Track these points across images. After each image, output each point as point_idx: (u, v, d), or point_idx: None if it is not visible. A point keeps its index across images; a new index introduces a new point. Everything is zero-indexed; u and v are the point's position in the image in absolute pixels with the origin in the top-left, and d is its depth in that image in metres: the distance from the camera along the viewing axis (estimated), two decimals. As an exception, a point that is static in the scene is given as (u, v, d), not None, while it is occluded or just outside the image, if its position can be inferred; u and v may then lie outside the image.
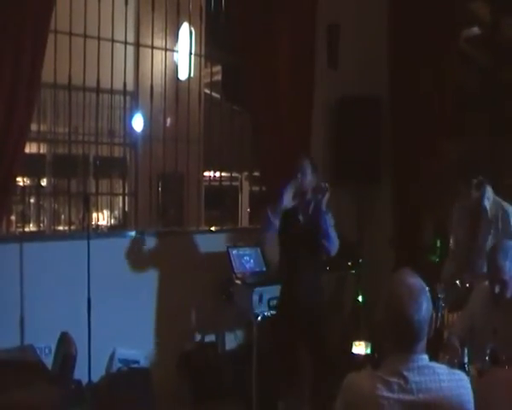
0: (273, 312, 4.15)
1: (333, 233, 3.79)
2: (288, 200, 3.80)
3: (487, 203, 3.66)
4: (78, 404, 3.53)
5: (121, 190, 6.11)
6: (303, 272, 3.83)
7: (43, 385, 3.03)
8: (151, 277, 4.52)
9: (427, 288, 2.00)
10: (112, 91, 4.94)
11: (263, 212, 3.95)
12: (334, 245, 3.80)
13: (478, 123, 5.16)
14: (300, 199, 3.88)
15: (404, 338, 1.91)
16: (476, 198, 3.67)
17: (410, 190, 4.89)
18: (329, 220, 3.79)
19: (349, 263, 4.87)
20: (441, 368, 1.96)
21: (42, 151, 6.27)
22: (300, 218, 3.88)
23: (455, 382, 1.93)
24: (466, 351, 2.77)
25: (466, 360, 2.73)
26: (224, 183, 5.97)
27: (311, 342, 3.86)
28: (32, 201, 6.03)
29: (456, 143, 4.72)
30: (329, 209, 3.82)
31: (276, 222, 3.79)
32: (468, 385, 1.96)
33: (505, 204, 3.70)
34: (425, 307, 1.92)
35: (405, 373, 1.87)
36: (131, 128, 6.49)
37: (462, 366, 2.60)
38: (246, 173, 7.21)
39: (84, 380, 3.79)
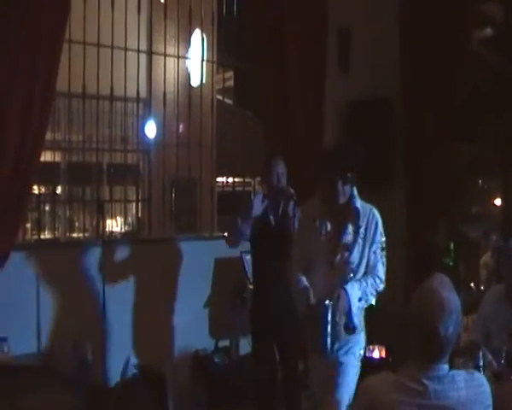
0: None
1: None
2: (257, 207, 3.78)
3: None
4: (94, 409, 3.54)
5: (134, 197, 6.15)
6: (272, 279, 3.77)
7: (59, 391, 3.05)
8: (165, 282, 4.54)
9: (459, 302, 1.90)
10: (125, 99, 4.98)
11: (230, 220, 3.96)
12: None
13: (491, 125, 5.14)
14: (273, 201, 3.82)
15: (429, 351, 1.86)
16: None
17: (422, 193, 4.87)
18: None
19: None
20: (460, 375, 1.93)
21: (56, 159, 6.33)
22: (271, 220, 3.83)
23: (473, 388, 1.90)
24: (481, 354, 2.75)
25: (481, 363, 2.71)
26: (237, 188, 5.98)
27: (278, 346, 3.87)
28: (46, 209, 6.08)
29: (469, 145, 4.70)
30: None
31: (247, 230, 3.79)
32: (488, 389, 1.94)
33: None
34: (456, 324, 1.85)
35: (425, 381, 1.85)
36: (144, 135, 6.53)
37: (477, 370, 2.59)
38: (259, 178, 7.21)
39: (100, 385, 3.83)
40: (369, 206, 3.11)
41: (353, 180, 3.02)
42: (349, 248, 3.00)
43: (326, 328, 2.87)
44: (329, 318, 2.87)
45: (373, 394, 1.94)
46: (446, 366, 1.89)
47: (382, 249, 3.09)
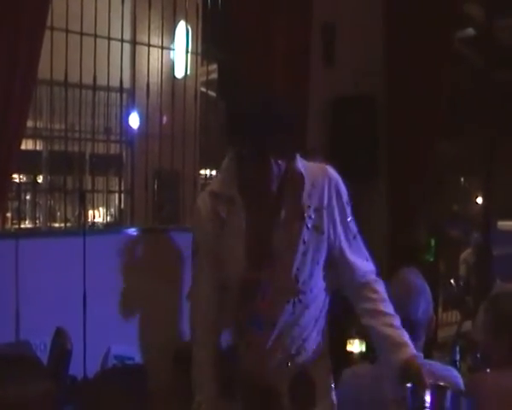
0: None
1: None
2: None
3: None
4: (73, 400, 3.54)
5: (117, 188, 6.12)
6: None
7: (38, 381, 3.05)
8: (147, 273, 4.53)
9: (427, 289, 2.02)
10: (108, 89, 4.96)
11: None
12: None
13: (473, 124, 5.20)
14: None
15: None
16: None
17: (404, 190, 4.92)
18: None
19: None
20: (436, 365, 1.99)
21: (38, 148, 6.27)
22: None
23: (448, 378, 1.95)
24: (458, 348, 2.80)
25: (458, 357, 2.76)
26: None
27: None
28: (27, 198, 6.03)
29: (452, 143, 4.76)
30: None
31: None
32: (461, 381, 1.99)
33: None
34: (423, 309, 1.95)
35: None
36: (128, 125, 6.50)
37: (453, 363, 2.64)
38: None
39: (79, 376, 3.81)
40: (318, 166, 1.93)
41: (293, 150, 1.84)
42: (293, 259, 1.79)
43: None
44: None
45: (355, 384, 1.98)
46: (421, 355, 1.94)
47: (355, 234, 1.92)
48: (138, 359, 4.32)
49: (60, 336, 3.36)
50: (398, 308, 1.88)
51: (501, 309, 2.02)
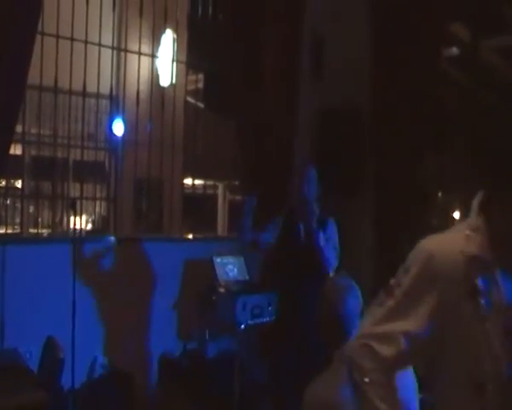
0: (257, 321, 4.17)
1: (328, 251, 3.68)
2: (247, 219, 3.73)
3: None
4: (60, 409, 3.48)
5: (100, 195, 6.06)
6: (304, 291, 3.66)
7: (31, 390, 2.99)
8: (134, 282, 4.50)
9: (354, 287, 2.25)
10: (85, 94, 4.90)
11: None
12: (329, 262, 3.67)
13: (454, 141, 5.30)
14: (302, 209, 3.75)
15: (335, 333, 2.15)
16: None
17: (390, 203, 4.99)
18: (322, 237, 3.66)
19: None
20: None
21: (17, 152, 6.15)
22: (301, 230, 3.72)
23: None
24: None
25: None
26: (202, 191, 5.99)
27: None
28: (8, 203, 5.91)
29: (436, 158, 4.85)
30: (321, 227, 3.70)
31: (248, 236, 3.77)
32: None
33: None
34: (350, 303, 2.15)
35: None
36: (111, 133, 6.45)
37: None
38: (225, 182, 7.24)
39: (66, 386, 3.75)
40: None
41: None
42: None
43: None
44: None
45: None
46: None
47: None
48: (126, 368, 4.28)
49: (51, 344, 3.31)
50: (327, 306, 2.21)
51: None
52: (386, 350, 1.43)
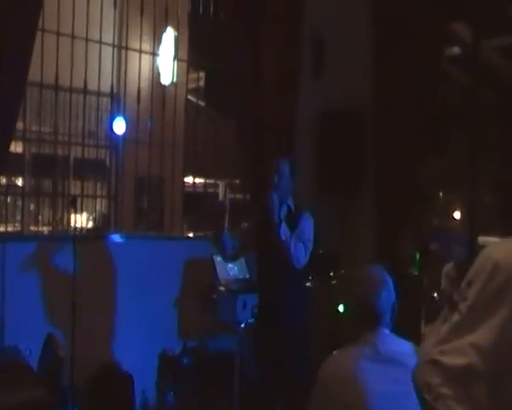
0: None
1: (295, 246, 3.54)
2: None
3: None
4: (63, 408, 3.48)
5: (100, 193, 6.06)
6: (275, 288, 3.69)
7: (32, 388, 2.99)
8: (133, 280, 4.50)
9: (389, 279, 2.24)
10: (86, 92, 4.90)
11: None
12: (295, 257, 3.55)
13: (455, 141, 5.30)
14: (267, 203, 3.62)
15: (367, 324, 2.14)
16: None
17: (390, 203, 4.99)
18: (285, 230, 3.54)
19: (331, 274, 4.93)
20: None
21: (18, 150, 6.15)
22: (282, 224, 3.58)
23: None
24: None
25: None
26: (203, 189, 5.98)
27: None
28: (8, 200, 5.91)
29: (437, 159, 4.85)
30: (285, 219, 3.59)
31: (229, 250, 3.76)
32: None
33: None
34: (384, 296, 2.16)
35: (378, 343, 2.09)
36: (112, 131, 6.45)
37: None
38: (226, 181, 7.22)
39: (66, 384, 3.75)
40: None
41: None
42: None
43: None
44: None
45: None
46: (387, 330, 2.18)
47: None
48: (126, 367, 4.28)
49: (51, 342, 3.31)
50: (360, 297, 2.20)
51: None
52: (454, 360, 1.33)
